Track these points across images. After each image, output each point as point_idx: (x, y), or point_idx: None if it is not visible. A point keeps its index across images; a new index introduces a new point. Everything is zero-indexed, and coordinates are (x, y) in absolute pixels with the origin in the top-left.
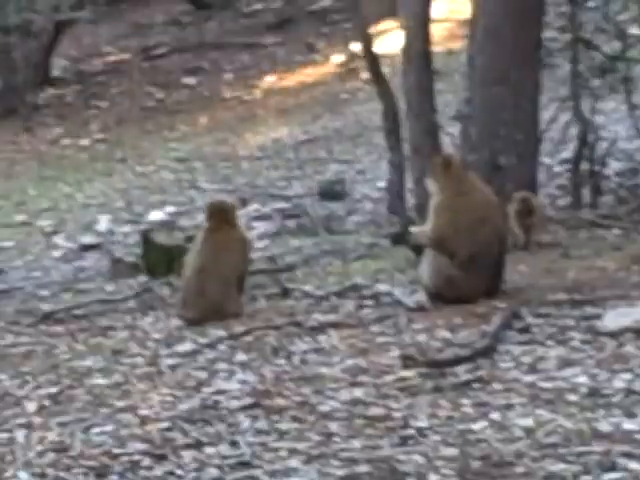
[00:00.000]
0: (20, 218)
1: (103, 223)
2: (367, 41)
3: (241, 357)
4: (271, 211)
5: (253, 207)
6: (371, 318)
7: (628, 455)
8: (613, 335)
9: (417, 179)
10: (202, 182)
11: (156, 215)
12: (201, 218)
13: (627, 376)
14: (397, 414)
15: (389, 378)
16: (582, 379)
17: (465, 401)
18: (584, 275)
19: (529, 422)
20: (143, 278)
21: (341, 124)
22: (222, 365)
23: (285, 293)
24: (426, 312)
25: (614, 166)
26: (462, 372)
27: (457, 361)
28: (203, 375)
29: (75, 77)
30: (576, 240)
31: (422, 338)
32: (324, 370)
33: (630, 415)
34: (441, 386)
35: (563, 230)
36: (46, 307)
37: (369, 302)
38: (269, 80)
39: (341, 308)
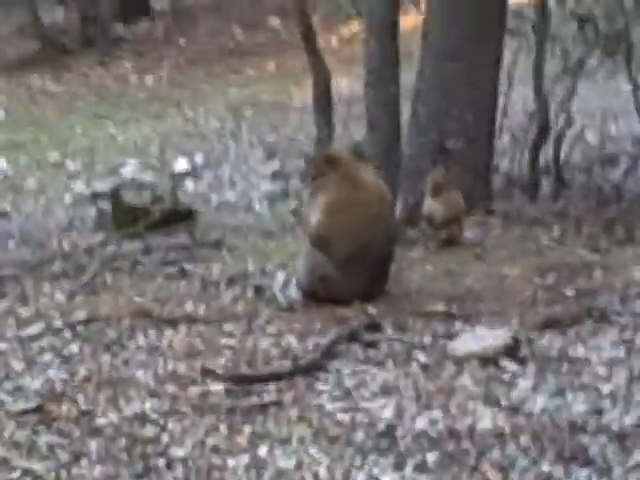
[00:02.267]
0: (53, 157)
1: (129, 168)
2: (302, 12)
3: (73, 349)
4: (293, 169)
5: (272, 164)
6: (234, 314)
7: None
8: (459, 361)
9: (371, 157)
10: (243, 132)
11: (181, 164)
12: (222, 170)
13: (434, 414)
14: (166, 438)
15: (194, 391)
16: (387, 413)
17: (246, 429)
18: (480, 283)
19: (288, 464)
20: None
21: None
22: (47, 357)
23: (182, 274)
24: (292, 312)
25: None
26: (272, 391)
27: (262, 378)
28: (19, 366)
29: (171, 11)
30: (503, 239)
31: (264, 344)
32: (138, 373)
33: (397, 467)
34: (236, 407)
35: (500, 226)
36: None
37: (249, 294)
38: (353, 27)
39: (218, 299)
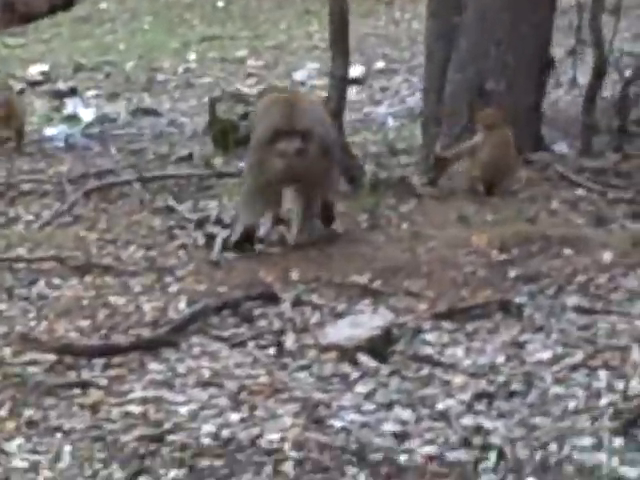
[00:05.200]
0: (241, 53)
1: (303, 72)
2: None
3: None
4: None
5: None
6: (157, 265)
7: None
8: (323, 349)
9: (426, 90)
10: None
11: (355, 71)
12: (393, 80)
13: (232, 418)
14: None
15: (22, 359)
16: (183, 412)
17: (27, 413)
18: (434, 252)
19: (23, 464)
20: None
21: None
22: None
23: (168, 210)
24: (213, 269)
25: None
26: (98, 367)
27: (90, 351)
28: None
29: None
30: (512, 199)
31: (149, 306)
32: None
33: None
34: (42, 383)
35: (525, 181)
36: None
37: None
38: None
39: (166, 245)
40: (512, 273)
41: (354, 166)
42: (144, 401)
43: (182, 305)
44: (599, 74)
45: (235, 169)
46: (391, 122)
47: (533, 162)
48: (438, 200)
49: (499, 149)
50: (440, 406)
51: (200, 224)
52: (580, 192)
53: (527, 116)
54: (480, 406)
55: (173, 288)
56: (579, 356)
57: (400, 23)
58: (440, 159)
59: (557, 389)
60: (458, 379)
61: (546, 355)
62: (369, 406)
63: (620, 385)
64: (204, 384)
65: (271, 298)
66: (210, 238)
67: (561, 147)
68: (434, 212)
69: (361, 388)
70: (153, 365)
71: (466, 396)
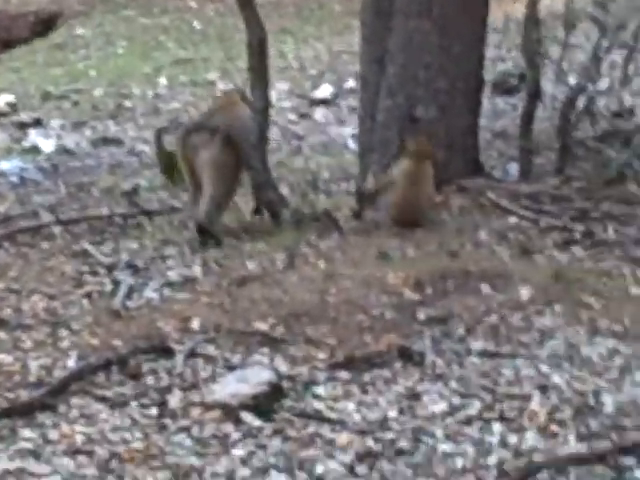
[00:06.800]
0: (211, 76)
1: (272, 93)
2: None
3: None
4: None
5: None
6: (56, 316)
7: None
8: (208, 408)
9: (362, 118)
10: None
11: (323, 91)
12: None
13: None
14: None
15: None
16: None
17: None
18: (344, 293)
19: None
20: None
21: None
22: None
23: (84, 254)
24: (114, 319)
25: None
26: None
27: None
28: None
29: None
30: (436, 231)
31: (37, 364)
32: None
33: None
34: None
35: (456, 210)
36: None
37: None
38: None
39: (72, 293)
40: (422, 315)
41: (277, 200)
42: (6, 474)
43: (71, 362)
44: (534, 95)
45: (165, 205)
46: (352, 144)
47: (467, 189)
48: (360, 235)
49: (411, 188)
50: (319, 470)
51: (111, 269)
52: (512, 220)
53: (462, 141)
54: (361, 468)
55: (65, 343)
56: (475, 407)
57: None
58: (363, 192)
59: (446, 446)
60: (343, 438)
61: (441, 407)
62: (244, 472)
63: (514, 439)
64: (74, 452)
65: (164, 351)
66: (117, 285)
67: (513, 168)
68: (354, 248)
69: (239, 451)
70: (25, 432)
71: (348, 457)
